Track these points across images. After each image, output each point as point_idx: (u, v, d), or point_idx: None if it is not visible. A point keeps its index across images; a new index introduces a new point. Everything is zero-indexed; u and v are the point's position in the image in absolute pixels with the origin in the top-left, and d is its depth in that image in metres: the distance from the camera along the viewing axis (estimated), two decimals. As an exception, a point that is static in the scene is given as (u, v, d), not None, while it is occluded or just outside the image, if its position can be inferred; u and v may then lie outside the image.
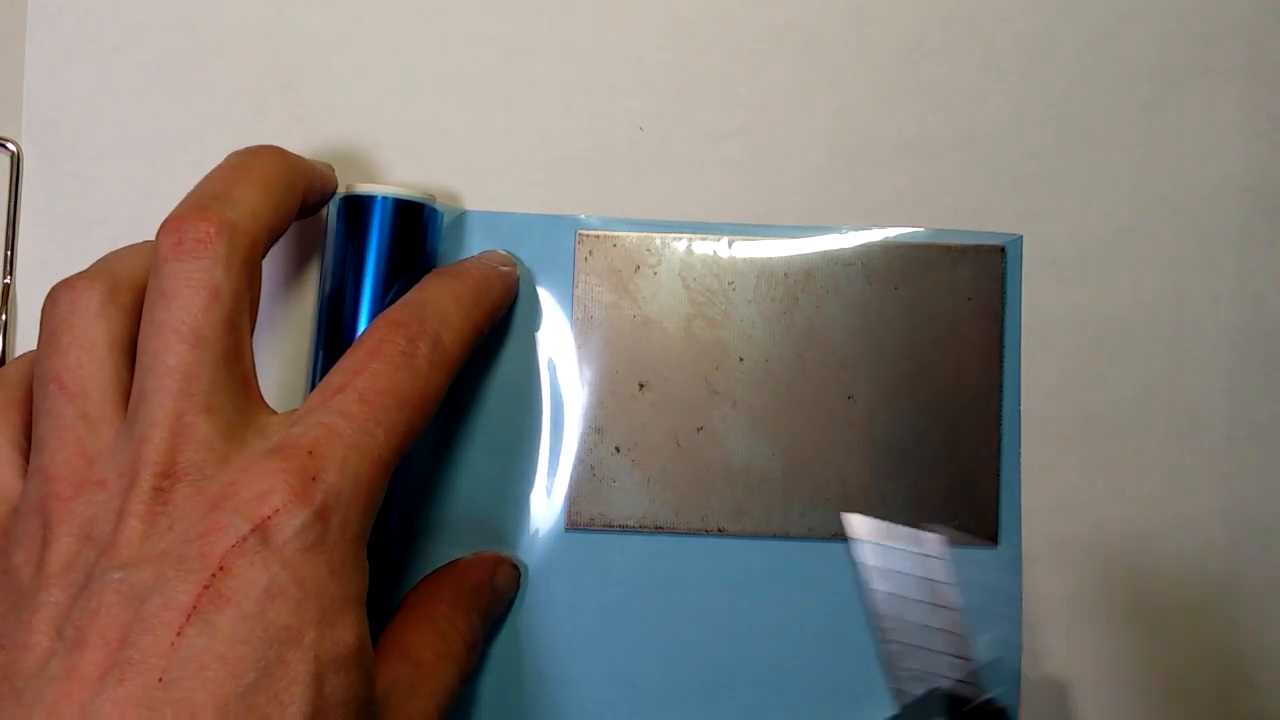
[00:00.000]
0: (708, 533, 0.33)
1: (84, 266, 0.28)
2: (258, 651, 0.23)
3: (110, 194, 0.34)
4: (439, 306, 0.29)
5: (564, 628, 0.33)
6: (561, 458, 0.34)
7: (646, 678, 0.33)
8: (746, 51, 0.34)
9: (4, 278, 0.34)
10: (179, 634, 0.23)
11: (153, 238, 0.27)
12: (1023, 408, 0.34)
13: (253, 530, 0.23)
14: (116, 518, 0.24)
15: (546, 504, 0.34)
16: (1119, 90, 0.34)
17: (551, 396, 0.34)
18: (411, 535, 0.33)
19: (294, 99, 0.34)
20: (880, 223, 0.34)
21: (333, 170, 0.32)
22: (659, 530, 0.33)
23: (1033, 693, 0.33)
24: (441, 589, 0.31)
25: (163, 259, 0.26)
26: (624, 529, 0.33)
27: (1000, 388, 0.34)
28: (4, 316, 0.34)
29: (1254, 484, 0.34)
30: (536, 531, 0.33)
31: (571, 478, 0.33)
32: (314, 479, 0.24)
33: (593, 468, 0.33)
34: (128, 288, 0.28)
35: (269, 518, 0.24)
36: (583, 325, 0.34)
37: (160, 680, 0.22)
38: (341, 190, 0.32)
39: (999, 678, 0.33)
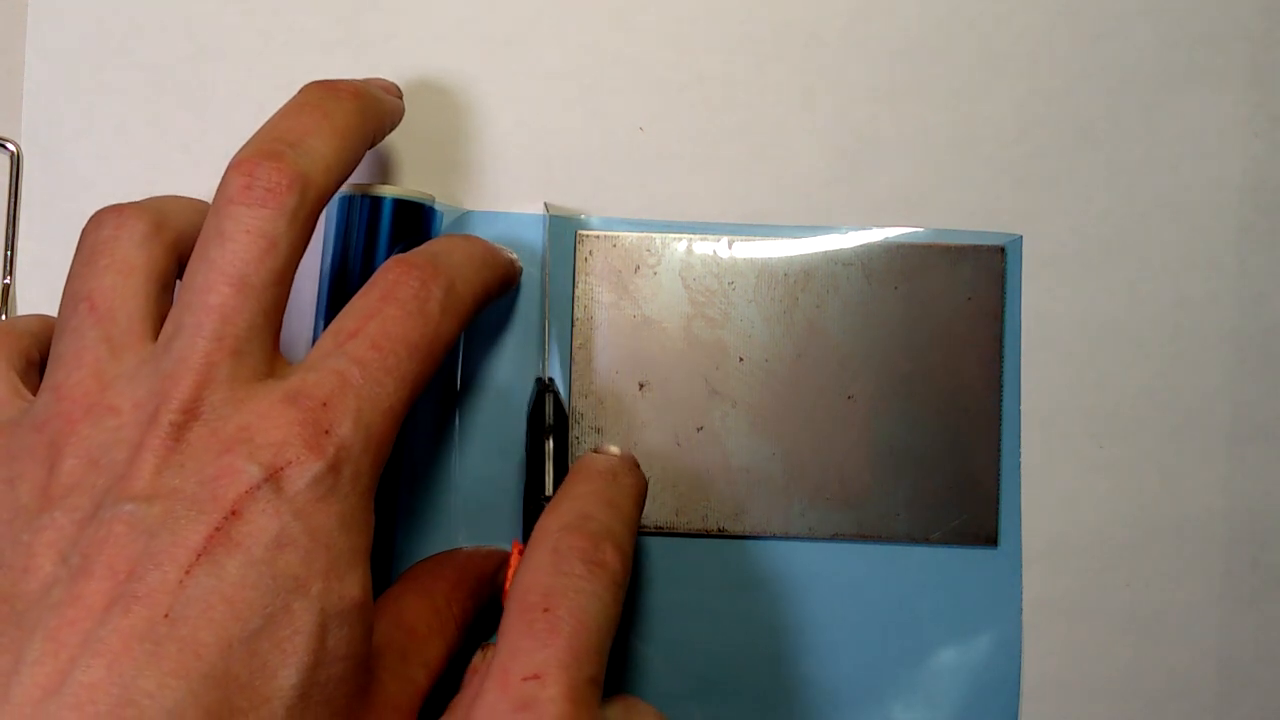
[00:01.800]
0: (708, 533, 0.33)
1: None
2: (265, 598, 0.23)
3: (110, 194, 0.34)
4: (452, 257, 0.29)
5: (564, 628, 0.33)
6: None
7: (646, 677, 0.33)
8: (746, 51, 0.34)
9: (4, 278, 0.34)
10: (188, 572, 0.23)
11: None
12: (1023, 408, 0.34)
13: (266, 478, 0.23)
14: (131, 450, 0.24)
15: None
16: (1119, 90, 0.34)
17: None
18: (411, 533, 0.33)
19: (294, 99, 0.34)
20: (880, 223, 0.34)
21: (400, 96, 0.32)
22: (659, 530, 0.33)
23: (1033, 693, 0.34)
24: (445, 569, 0.31)
25: (228, 200, 0.26)
26: (624, 529, 0.33)
27: (1000, 388, 0.34)
28: (4, 316, 0.34)
29: (1254, 484, 0.34)
30: (536, 531, 0.33)
31: (571, 478, 0.33)
32: (327, 431, 0.24)
33: (593, 468, 0.33)
34: (174, 228, 0.28)
35: (282, 468, 0.24)
36: (583, 325, 0.34)
37: (166, 616, 0.22)
38: (342, 190, 0.32)
39: (999, 677, 0.33)
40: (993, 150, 0.34)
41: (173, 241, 0.27)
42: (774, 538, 0.33)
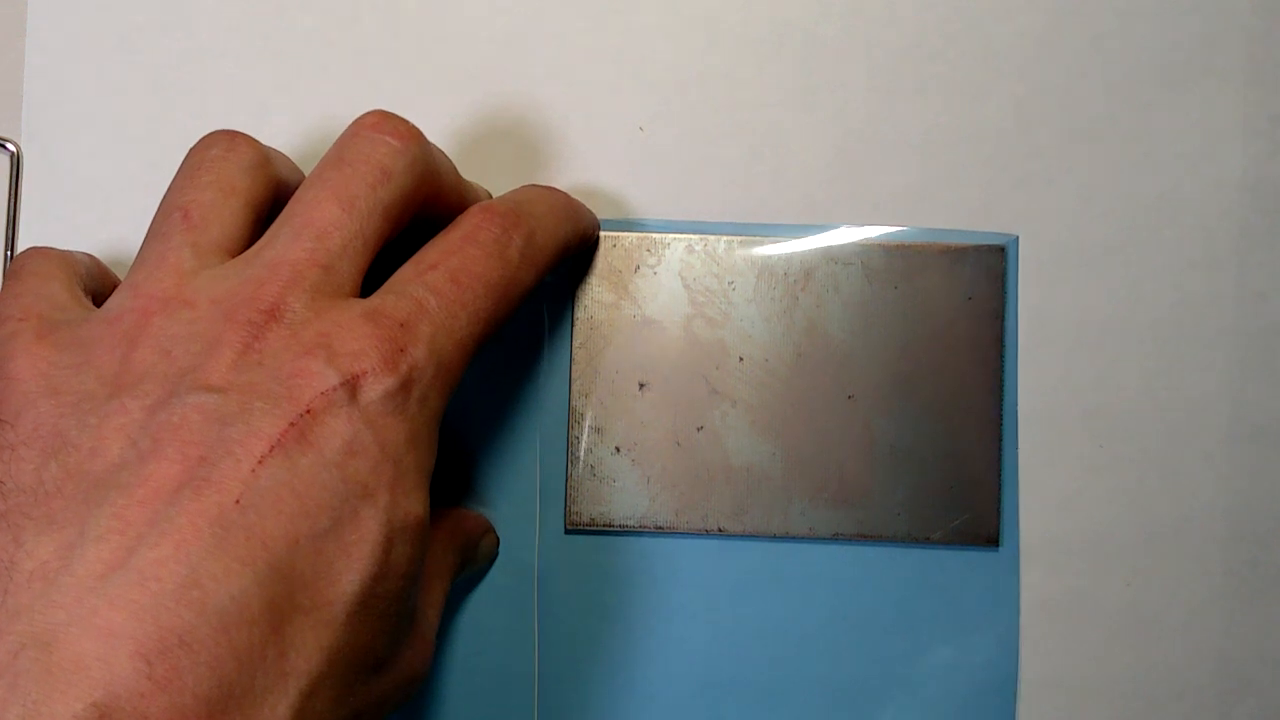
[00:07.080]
0: (708, 533, 0.33)
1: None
2: (334, 501, 0.23)
3: (110, 194, 0.34)
4: (534, 208, 0.29)
5: (563, 629, 0.33)
6: (562, 458, 0.34)
7: (646, 678, 0.33)
8: (746, 51, 0.34)
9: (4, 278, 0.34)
10: (260, 463, 0.22)
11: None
12: (1022, 408, 0.34)
13: (342, 384, 0.23)
14: (206, 344, 0.24)
15: (546, 505, 0.34)
16: (1119, 90, 0.34)
17: (551, 396, 0.34)
18: None
19: (294, 99, 0.34)
20: (880, 222, 0.34)
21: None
22: (659, 530, 0.33)
23: (1032, 693, 0.33)
24: (444, 521, 0.31)
25: (355, 131, 0.27)
26: (624, 529, 0.33)
27: (1000, 387, 0.34)
28: (4, 316, 0.34)
29: (1254, 484, 0.34)
30: (536, 532, 0.33)
31: (571, 478, 0.33)
32: (402, 350, 0.24)
33: (593, 468, 0.33)
34: (280, 167, 0.28)
35: (358, 376, 0.24)
36: (583, 325, 0.34)
37: (237, 503, 0.22)
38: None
39: (998, 678, 0.33)
40: (992, 150, 0.34)
41: (277, 178, 0.28)
42: (774, 538, 0.33)
